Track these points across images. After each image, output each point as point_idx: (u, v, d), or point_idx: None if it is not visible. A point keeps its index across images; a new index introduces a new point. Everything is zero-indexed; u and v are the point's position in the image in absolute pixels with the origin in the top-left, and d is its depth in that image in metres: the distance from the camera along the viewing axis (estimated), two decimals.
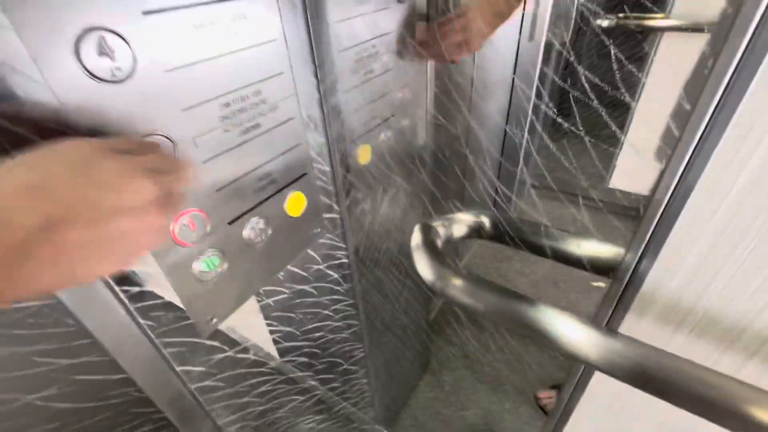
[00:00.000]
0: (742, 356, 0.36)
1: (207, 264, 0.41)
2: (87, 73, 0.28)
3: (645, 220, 0.39)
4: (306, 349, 0.65)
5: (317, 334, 0.66)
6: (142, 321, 0.37)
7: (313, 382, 0.71)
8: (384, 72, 0.60)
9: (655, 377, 0.33)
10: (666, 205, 0.36)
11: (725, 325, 0.36)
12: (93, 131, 0.29)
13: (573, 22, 1.64)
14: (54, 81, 0.27)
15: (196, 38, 0.34)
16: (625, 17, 1.57)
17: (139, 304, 0.36)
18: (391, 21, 0.58)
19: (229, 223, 0.43)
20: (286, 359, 0.61)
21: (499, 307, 0.41)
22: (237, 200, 0.43)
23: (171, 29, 0.32)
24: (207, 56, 0.35)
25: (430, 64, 0.72)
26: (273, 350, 0.61)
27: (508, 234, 0.49)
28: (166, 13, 0.31)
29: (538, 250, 0.48)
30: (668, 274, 0.39)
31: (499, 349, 1.42)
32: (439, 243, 0.50)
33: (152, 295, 0.37)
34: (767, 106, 0.29)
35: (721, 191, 0.33)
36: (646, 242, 0.40)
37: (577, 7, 1.65)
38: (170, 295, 0.39)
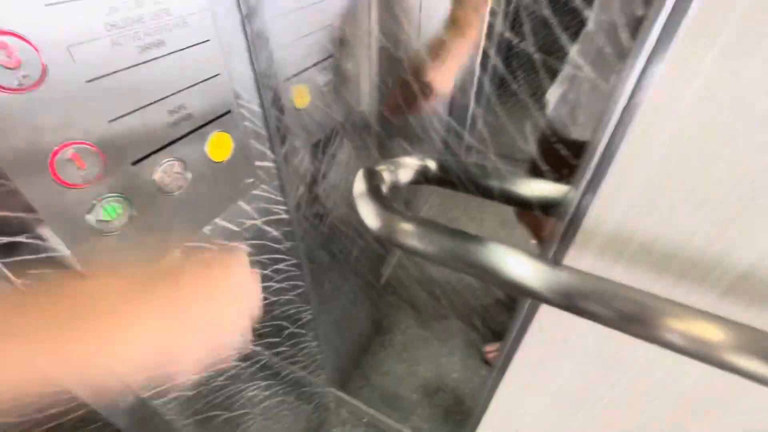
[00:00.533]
0: (673, 280, 0.38)
1: (106, 211, 0.34)
2: None
3: (587, 154, 0.39)
4: None
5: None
6: (16, 279, 0.30)
7: (256, 348, 0.66)
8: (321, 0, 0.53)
9: (594, 304, 0.34)
10: (610, 138, 0.36)
11: (659, 252, 0.38)
12: None
13: None
14: None
15: None
16: None
17: (10, 259, 0.29)
18: None
19: (133, 164, 0.36)
20: None
21: (449, 247, 0.39)
22: (142, 136, 0.35)
23: None
24: None
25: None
26: None
27: (456, 177, 0.47)
28: None
29: (487, 193, 0.47)
30: (609, 207, 0.39)
31: (450, 304, 1.46)
32: (384, 189, 0.46)
33: (29, 249, 0.30)
34: (702, 38, 0.28)
35: (663, 120, 0.33)
36: (589, 178, 0.39)
37: None
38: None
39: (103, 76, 0.31)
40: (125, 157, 0.35)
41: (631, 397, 0.50)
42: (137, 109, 0.34)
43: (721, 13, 0.26)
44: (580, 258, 0.41)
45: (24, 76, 0.26)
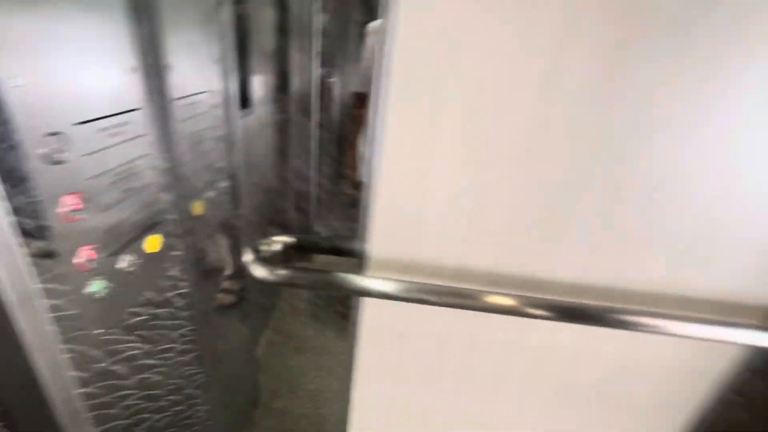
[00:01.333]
0: (425, 278, 0.81)
1: (97, 285, 0.56)
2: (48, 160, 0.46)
3: (361, 221, 0.82)
4: (157, 369, 0.77)
5: (167, 355, 0.80)
6: None
7: (163, 403, 0.81)
8: (210, 149, 0.87)
9: (389, 292, 0.73)
10: (367, 211, 0.79)
11: (407, 263, 0.81)
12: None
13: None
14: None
15: (101, 137, 0.54)
16: None
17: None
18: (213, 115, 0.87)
19: (109, 255, 0.59)
20: (141, 376, 0.73)
21: (310, 279, 0.73)
22: (116, 239, 0.60)
23: (89, 134, 0.52)
24: (107, 145, 0.56)
25: (244, 142, 1.02)
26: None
27: (309, 246, 0.83)
28: (88, 124, 0.52)
29: (325, 251, 0.85)
30: (374, 245, 0.81)
31: (313, 371, 1.70)
32: (264, 255, 0.79)
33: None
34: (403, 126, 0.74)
35: (391, 187, 0.78)
36: (363, 230, 0.82)
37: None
38: None
39: (109, 207, 0.57)
40: (108, 251, 0.59)
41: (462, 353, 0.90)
42: (118, 223, 0.60)
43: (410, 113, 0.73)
44: (376, 272, 0.81)
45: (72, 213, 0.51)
